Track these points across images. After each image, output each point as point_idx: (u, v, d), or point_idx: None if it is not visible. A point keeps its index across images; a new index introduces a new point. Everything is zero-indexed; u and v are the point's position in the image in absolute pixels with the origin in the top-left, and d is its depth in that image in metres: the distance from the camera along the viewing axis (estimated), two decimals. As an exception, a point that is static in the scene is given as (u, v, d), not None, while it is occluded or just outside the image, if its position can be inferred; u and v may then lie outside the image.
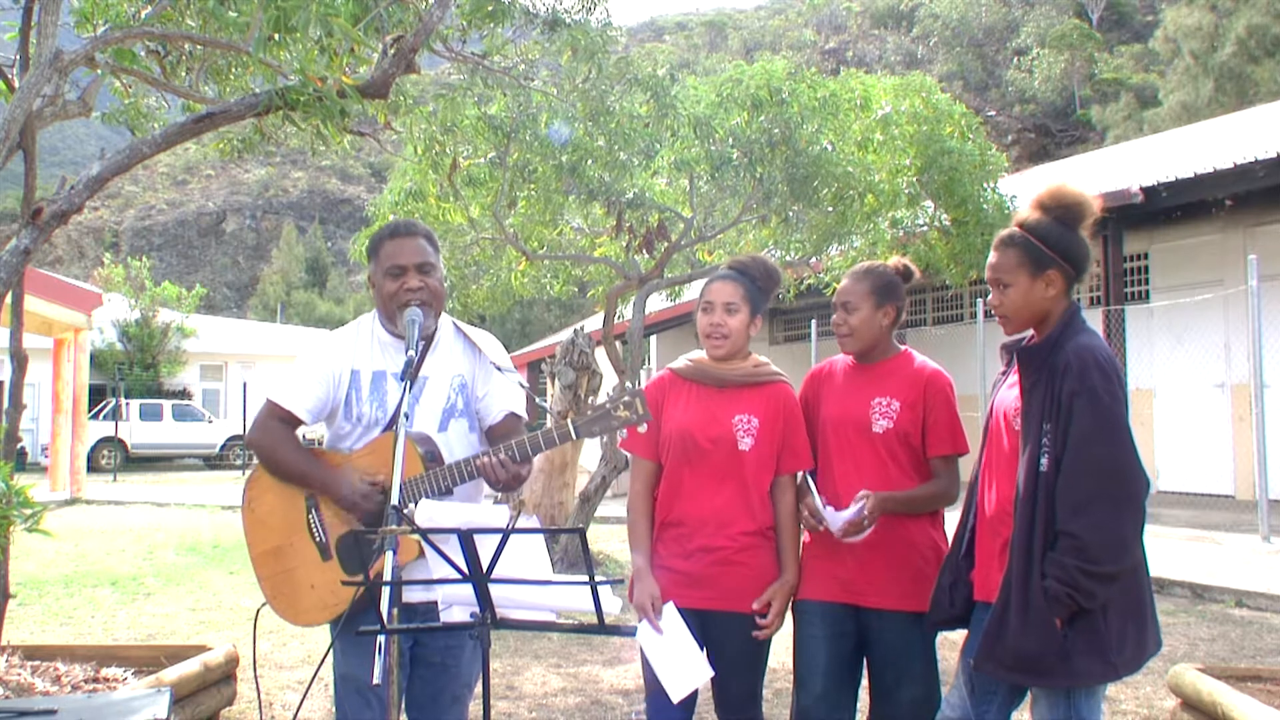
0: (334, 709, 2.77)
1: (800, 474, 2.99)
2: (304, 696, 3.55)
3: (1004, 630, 2.41)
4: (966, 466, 2.87)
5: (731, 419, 2.93)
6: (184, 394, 29.07)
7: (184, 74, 4.44)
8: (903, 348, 3.09)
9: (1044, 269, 2.50)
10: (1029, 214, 2.58)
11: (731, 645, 2.89)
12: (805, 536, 3.04)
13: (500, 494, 2.74)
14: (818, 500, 2.91)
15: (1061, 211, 2.54)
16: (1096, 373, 2.39)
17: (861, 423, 2.95)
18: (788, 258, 9.52)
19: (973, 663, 2.52)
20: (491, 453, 2.58)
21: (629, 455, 3.12)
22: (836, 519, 2.84)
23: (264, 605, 2.73)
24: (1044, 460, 2.42)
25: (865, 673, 2.98)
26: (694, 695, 2.96)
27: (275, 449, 2.72)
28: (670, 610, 2.79)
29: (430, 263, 2.74)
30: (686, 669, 2.73)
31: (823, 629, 2.92)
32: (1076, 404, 2.38)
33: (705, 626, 2.89)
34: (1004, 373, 2.73)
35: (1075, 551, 2.33)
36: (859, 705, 3.01)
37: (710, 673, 2.75)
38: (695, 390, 3.01)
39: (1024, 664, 2.40)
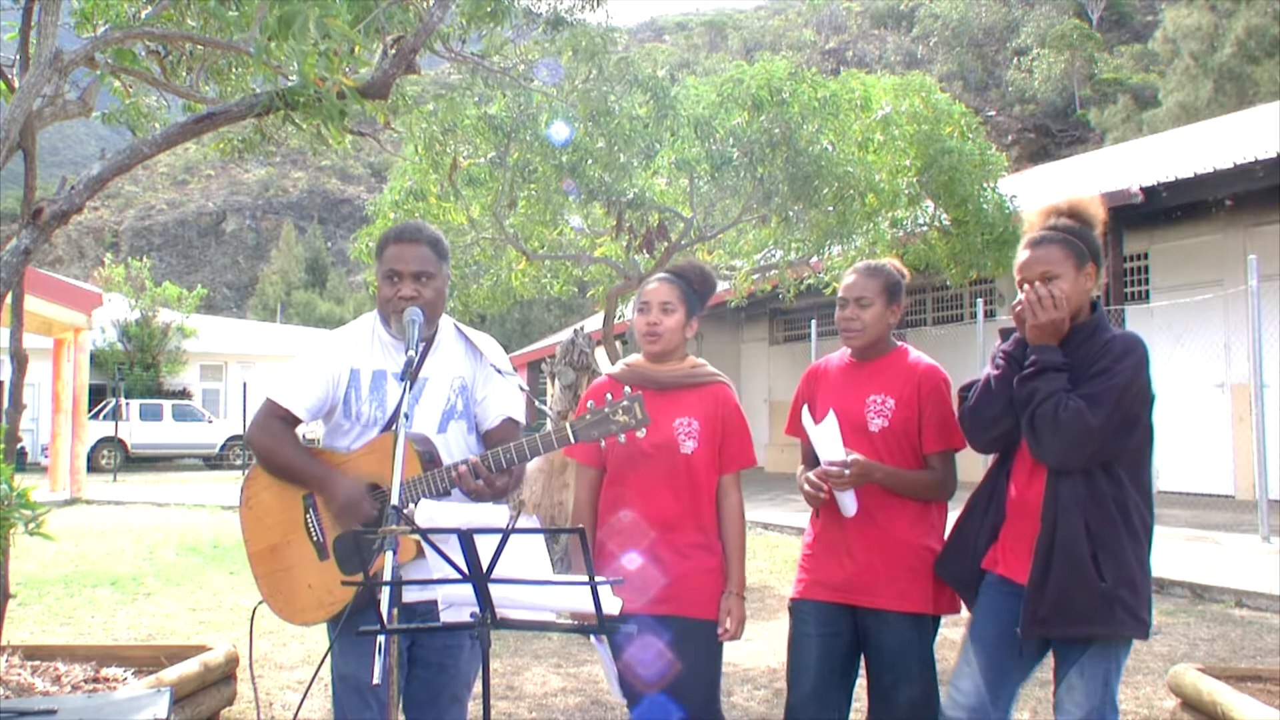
0: (333, 709, 2.77)
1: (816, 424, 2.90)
2: (304, 696, 3.54)
3: (1045, 588, 2.50)
4: (967, 466, 2.86)
5: (672, 422, 2.94)
6: (184, 394, 29.04)
7: (184, 74, 4.44)
8: (898, 344, 3.08)
9: (1084, 263, 2.60)
10: (1049, 219, 2.66)
11: (686, 647, 2.90)
12: (807, 538, 3.05)
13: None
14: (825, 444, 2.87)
15: (1082, 216, 2.67)
16: (1143, 353, 2.52)
17: (857, 422, 2.93)
18: (788, 258, 9.54)
19: (1020, 631, 2.57)
20: (478, 459, 2.57)
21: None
22: (832, 451, 2.84)
23: (261, 603, 2.73)
24: None
25: (864, 673, 2.98)
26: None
27: (274, 448, 2.72)
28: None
29: (428, 271, 2.72)
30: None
31: (816, 628, 2.92)
32: (1128, 362, 2.47)
33: (658, 628, 2.90)
34: (1003, 353, 2.71)
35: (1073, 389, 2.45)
36: (859, 705, 3.01)
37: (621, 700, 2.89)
38: None
39: (1070, 617, 2.50)
